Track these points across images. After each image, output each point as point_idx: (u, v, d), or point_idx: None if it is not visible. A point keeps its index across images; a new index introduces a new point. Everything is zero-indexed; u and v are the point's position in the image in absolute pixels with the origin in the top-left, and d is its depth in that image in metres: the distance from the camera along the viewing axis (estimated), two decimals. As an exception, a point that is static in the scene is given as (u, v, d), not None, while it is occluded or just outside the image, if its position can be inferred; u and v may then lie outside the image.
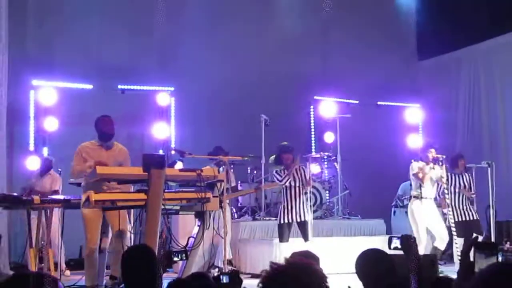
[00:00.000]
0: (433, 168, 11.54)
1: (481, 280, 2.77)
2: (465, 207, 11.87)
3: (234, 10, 16.18)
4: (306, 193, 11.52)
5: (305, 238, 11.17)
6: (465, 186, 11.94)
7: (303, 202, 11.28)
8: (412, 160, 11.99)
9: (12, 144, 13.30)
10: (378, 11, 17.32)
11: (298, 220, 11.18)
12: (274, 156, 12.54)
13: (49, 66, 14.15)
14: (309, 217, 11.34)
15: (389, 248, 4.87)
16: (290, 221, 11.19)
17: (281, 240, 11.21)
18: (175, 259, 6.15)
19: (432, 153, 11.61)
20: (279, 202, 13.93)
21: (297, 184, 11.28)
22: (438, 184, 11.92)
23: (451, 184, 11.89)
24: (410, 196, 11.88)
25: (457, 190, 11.92)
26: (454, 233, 11.60)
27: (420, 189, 11.60)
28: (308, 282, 3.06)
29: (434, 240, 11.86)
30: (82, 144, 9.29)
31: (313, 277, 3.09)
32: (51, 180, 12.02)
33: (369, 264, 5.18)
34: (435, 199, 12.16)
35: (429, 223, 11.68)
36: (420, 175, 11.55)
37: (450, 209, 11.78)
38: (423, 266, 4.76)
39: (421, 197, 11.60)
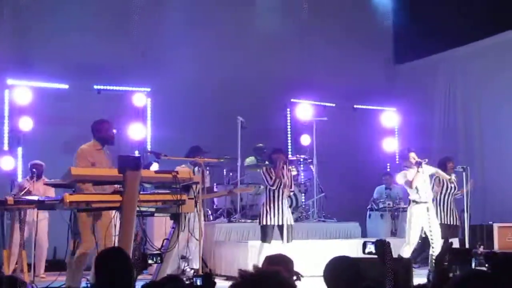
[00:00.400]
0: (418, 171, 11.48)
1: (455, 285, 2.78)
2: (449, 211, 11.94)
3: (212, 11, 16.17)
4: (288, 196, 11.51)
5: (287, 240, 11.10)
6: (455, 188, 12.02)
7: (285, 204, 11.20)
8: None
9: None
10: (355, 14, 17.40)
11: (281, 223, 11.08)
12: (252, 157, 12.54)
13: (24, 65, 14.06)
14: (291, 220, 11.31)
15: (363, 253, 4.88)
16: (274, 223, 11.09)
17: (264, 241, 11.10)
18: (150, 261, 6.12)
19: (413, 157, 11.59)
20: (255, 204, 13.97)
21: (283, 187, 11.21)
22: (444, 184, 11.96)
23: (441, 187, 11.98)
24: (409, 201, 11.78)
25: (443, 192, 12.00)
26: (431, 235, 11.62)
27: (418, 194, 11.54)
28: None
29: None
30: (84, 147, 9.15)
31: (280, 286, 3.09)
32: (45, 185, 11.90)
33: (336, 273, 5.17)
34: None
35: (426, 228, 11.60)
36: (410, 179, 11.48)
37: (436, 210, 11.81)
38: (398, 271, 4.78)
39: (420, 202, 11.54)
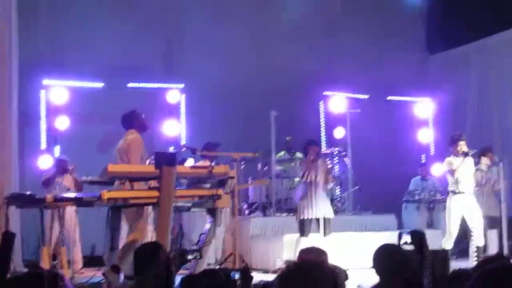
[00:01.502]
0: (464, 160, 11.40)
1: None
2: (490, 202, 11.96)
3: (242, 5, 16.21)
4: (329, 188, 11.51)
5: (324, 233, 11.07)
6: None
7: (323, 197, 11.18)
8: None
9: (23, 143, 13.36)
10: (387, 5, 17.33)
11: (319, 216, 11.05)
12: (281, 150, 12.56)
13: (60, 66, 14.22)
14: (331, 213, 11.29)
15: (399, 243, 4.89)
16: (311, 217, 11.03)
17: (302, 235, 11.09)
18: (189, 257, 6.19)
19: (461, 146, 11.51)
20: (290, 197, 14.00)
21: (316, 178, 11.14)
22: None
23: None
24: (448, 191, 11.76)
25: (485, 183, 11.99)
26: (472, 227, 11.59)
27: (457, 184, 11.50)
28: (320, 279, 3.10)
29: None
30: (138, 138, 9.23)
31: (324, 273, 3.14)
32: (70, 180, 12.05)
33: (385, 258, 5.21)
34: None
35: (468, 218, 11.59)
36: (453, 168, 11.43)
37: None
38: (435, 262, 4.78)
39: (459, 192, 11.51)
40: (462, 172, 11.45)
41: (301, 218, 11.08)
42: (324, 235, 10.97)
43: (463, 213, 11.46)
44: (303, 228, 11.08)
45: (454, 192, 11.56)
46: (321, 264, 3.23)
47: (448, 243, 11.43)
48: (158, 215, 8.14)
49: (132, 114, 9.47)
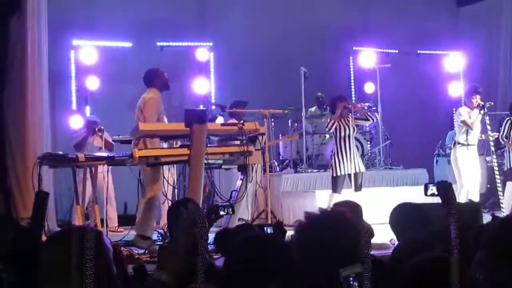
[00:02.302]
0: (481, 113, 11.32)
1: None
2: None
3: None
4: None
5: (358, 188, 11.13)
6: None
7: (355, 152, 11.20)
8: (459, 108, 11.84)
9: (54, 104, 13.43)
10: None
11: (354, 171, 11.07)
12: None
13: (88, 25, 14.21)
14: (363, 167, 11.34)
15: (426, 194, 4.87)
16: (345, 172, 11.07)
17: (335, 191, 11.13)
18: (222, 213, 6.22)
19: (476, 99, 11.38)
20: (321, 153, 14.01)
21: (347, 133, 11.13)
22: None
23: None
24: (455, 142, 11.67)
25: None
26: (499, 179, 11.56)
27: (467, 136, 11.41)
28: (339, 232, 3.09)
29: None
30: (153, 97, 9.26)
31: (345, 225, 3.12)
32: (101, 140, 12.12)
33: (402, 219, 5.21)
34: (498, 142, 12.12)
35: (472, 170, 11.55)
36: (469, 121, 11.33)
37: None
38: (464, 213, 4.75)
39: (468, 144, 11.42)
40: (476, 125, 11.38)
41: (334, 174, 11.10)
42: (355, 190, 10.99)
43: (470, 164, 11.41)
44: (336, 184, 11.11)
45: (462, 144, 11.46)
46: (342, 214, 3.20)
47: (462, 195, 11.31)
48: (189, 172, 8.18)
49: (154, 72, 9.50)
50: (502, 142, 12.01)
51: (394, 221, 5.58)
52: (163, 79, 9.46)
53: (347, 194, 10.94)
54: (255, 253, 3.17)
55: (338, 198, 10.77)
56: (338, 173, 11.07)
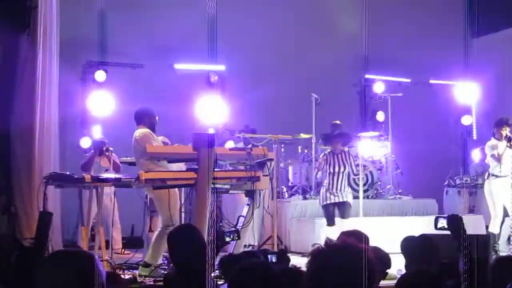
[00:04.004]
0: (509, 146, 11.33)
1: None
2: None
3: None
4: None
5: (344, 216, 11.28)
6: None
7: (344, 186, 11.40)
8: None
9: (64, 124, 13.40)
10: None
11: (340, 200, 11.28)
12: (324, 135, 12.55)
13: (102, 46, 14.22)
14: (351, 198, 11.46)
15: (436, 228, 4.86)
16: (333, 201, 11.30)
17: (329, 224, 11.30)
18: (227, 239, 6.15)
19: (506, 131, 11.42)
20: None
21: (340, 170, 11.35)
22: None
23: None
24: (489, 174, 11.70)
25: None
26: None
27: (500, 167, 11.43)
28: (358, 266, 3.03)
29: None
30: (146, 131, 9.27)
31: (364, 262, 3.06)
32: (107, 160, 12.07)
33: (411, 248, 5.23)
34: None
35: (506, 202, 11.50)
36: (496, 154, 11.40)
37: None
38: (475, 246, 4.70)
39: (501, 176, 11.43)
40: (506, 156, 11.37)
41: (322, 204, 11.43)
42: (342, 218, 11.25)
43: (504, 196, 11.33)
44: (327, 214, 11.41)
45: (496, 176, 11.46)
46: (361, 249, 3.13)
47: (496, 226, 11.33)
48: (196, 196, 8.12)
49: (145, 111, 9.49)
50: None
51: (404, 251, 5.60)
52: (152, 119, 9.44)
53: (354, 222, 10.89)
54: (252, 281, 3.11)
55: (336, 226, 10.86)
56: (326, 202, 11.28)
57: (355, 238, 4.53)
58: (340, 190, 11.28)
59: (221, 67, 15.22)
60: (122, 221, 12.50)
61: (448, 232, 4.99)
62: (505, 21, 16.58)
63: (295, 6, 15.97)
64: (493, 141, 11.61)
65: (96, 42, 14.31)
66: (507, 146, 11.32)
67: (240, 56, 15.07)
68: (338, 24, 16.15)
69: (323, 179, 11.70)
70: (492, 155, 11.51)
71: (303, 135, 13.75)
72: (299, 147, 14.48)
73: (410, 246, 5.51)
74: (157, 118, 9.59)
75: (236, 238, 6.50)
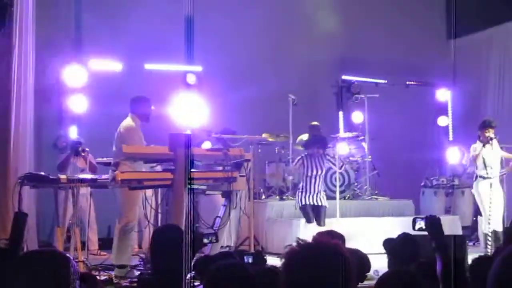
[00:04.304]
0: (484, 146, 11.52)
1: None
2: None
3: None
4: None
5: (320, 222, 11.34)
6: None
7: (320, 189, 11.51)
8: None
9: (40, 124, 13.31)
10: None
11: (316, 203, 11.37)
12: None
13: (77, 46, 14.14)
14: (326, 202, 11.52)
15: (413, 229, 4.88)
16: (309, 203, 11.41)
17: (308, 221, 11.31)
18: (205, 241, 6.13)
19: (489, 133, 11.60)
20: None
21: (316, 173, 11.45)
22: None
23: None
24: (476, 176, 11.83)
25: None
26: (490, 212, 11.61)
27: (486, 169, 11.58)
28: (332, 263, 3.01)
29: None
30: (131, 125, 9.19)
31: (338, 258, 3.05)
32: (83, 161, 12.00)
33: (396, 247, 5.25)
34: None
35: (493, 201, 11.64)
36: (475, 153, 11.62)
37: None
38: (451, 247, 4.73)
39: (488, 177, 11.59)
40: (489, 157, 11.54)
41: (300, 205, 11.56)
42: (318, 224, 11.29)
43: (491, 196, 11.49)
44: (306, 214, 11.49)
45: (483, 177, 11.63)
46: (336, 247, 3.12)
47: (484, 226, 11.50)
48: (172, 197, 8.09)
49: (142, 100, 9.44)
50: None
51: (389, 249, 5.67)
52: (147, 109, 9.38)
53: (332, 223, 10.92)
54: (228, 281, 3.10)
55: (312, 227, 10.89)
56: (303, 203, 11.39)
57: (329, 236, 4.55)
58: (316, 193, 11.36)
59: (198, 68, 15.16)
60: (98, 222, 12.45)
61: (425, 233, 5.01)
62: (482, 23, 16.65)
63: (273, 6, 15.95)
64: (475, 144, 11.79)
65: (72, 42, 14.23)
66: (483, 147, 11.49)
67: (217, 56, 15.02)
68: (316, 25, 16.15)
69: (299, 182, 11.78)
70: (472, 156, 11.72)
71: (280, 136, 13.73)
72: (276, 148, 14.47)
73: (393, 244, 5.54)
74: (152, 107, 9.52)
75: (214, 240, 6.48)
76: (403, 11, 16.73)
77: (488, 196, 11.50)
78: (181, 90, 14.92)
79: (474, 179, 12.03)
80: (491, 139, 11.49)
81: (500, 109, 16.56)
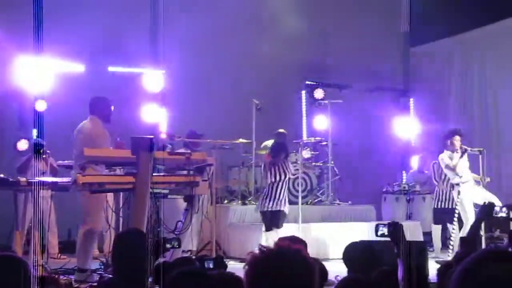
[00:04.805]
0: (462, 157, 11.74)
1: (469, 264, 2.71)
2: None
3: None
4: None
5: (278, 226, 11.38)
6: None
7: (284, 195, 11.55)
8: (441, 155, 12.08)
9: (0, 125, 13.17)
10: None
11: (278, 209, 11.41)
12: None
13: (38, 46, 13.96)
14: (287, 209, 11.58)
15: (376, 235, 4.89)
16: (270, 209, 11.45)
17: (272, 227, 11.36)
18: (168, 246, 6.08)
19: (458, 141, 11.79)
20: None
21: (282, 179, 11.51)
22: None
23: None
24: (452, 185, 11.98)
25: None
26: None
27: (460, 177, 11.77)
28: (295, 268, 3.00)
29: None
30: (89, 126, 9.08)
31: (301, 263, 3.04)
32: (45, 164, 11.88)
33: (354, 255, 5.27)
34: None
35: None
36: (452, 164, 11.73)
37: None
38: (413, 253, 4.76)
39: (464, 182, 11.77)
40: (460, 166, 11.74)
41: (261, 210, 11.59)
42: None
43: (471, 199, 11.73)
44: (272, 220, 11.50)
45: (459, 185, 11.79)
46: (299, 253, 3.11)
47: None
48: (134, 201, 8.02)
49: (101, 100, 9.33)
50: (436, 184, 12.69)
51: (346, 259, 5.67)
52: (107, 110, 9.27)
53: (292, 229, 10.94)
54: (188, 287, 3.06)
55: (274, 232, 10.92)
56: (264, 209, 11.45)
57: (291, 242, 4.55)
58: (279, 199, 11.38)
59: (161, 71, 15.11)
60: (58, 225, 12.33)
61: (387, 239, 5.04)
62: (441, 32, 16.80)
63: (238, 10, 15.93)
64: (447, 153, 11.91)
65: (33, 42, 14.05)
66: (460, 157, 11.66)
67: (181, 60, 14.98)
68: (281, 30, 16.16)
69: (263, 188, 11.86)
70: (447, 166, 11.84)
71: (242, 140, 13.72)
72: (239, 152, 14.45)
73: (352, 253, 5.55)
74: (112, 108, 9.42)
75: (177, 245, 6.43)
76: (368, 18, 16.79)
77: (471, 199, 11.69)
78: (144, 93, 14.89)
79: (451, 188, 12.14)
80: (465, 150, 11.69)
81: (461, 116, 16.71)
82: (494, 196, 11.77)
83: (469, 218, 11.64)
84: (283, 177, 11.46)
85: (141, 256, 5.09)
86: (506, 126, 15.73)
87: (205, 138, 12.53)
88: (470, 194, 11.72)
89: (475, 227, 4.80)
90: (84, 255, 8.85)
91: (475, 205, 11.69)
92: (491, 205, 4.80)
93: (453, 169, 11.72)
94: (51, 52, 13.84)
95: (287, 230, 11.00)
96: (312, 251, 5.96)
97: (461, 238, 10.89)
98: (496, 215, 4.86)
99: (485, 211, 4.79)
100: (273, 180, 11.42)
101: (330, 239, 12.15)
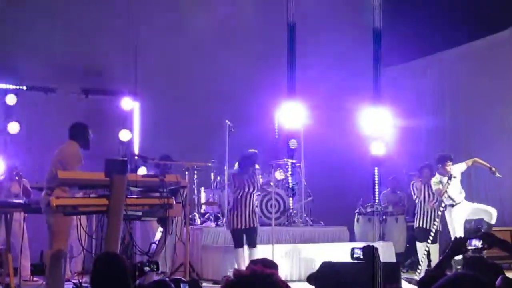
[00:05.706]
0: (449, 183, 12.04)
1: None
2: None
3: (200, 11, 16.09)
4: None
5: (252, 244, 11.31)
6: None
7: (252, 208, 11.54)
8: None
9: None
10: (342, 14, 17.38)
11: (249, 226, 11.36)
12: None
13: (11, 67, 13.96)
14: (257, 223, 11.59)
15: (352, 258, 4.94)
16: (242, 227, 11.40)
17: (238, 246, 11.32)
18: (146, 269, 6.08)
19: (449, 166, 12.21)
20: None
21: (250, 191, 11.52)
22: None
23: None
24: (445, 206, 12.27)
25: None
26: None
27: (452, 199, 12.21)
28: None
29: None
30: (75, 149, 9.06)
31: (275, 287, 3.08)
32: (18, 186, 11.83)
33: (320, 277, 5.32)
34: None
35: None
36: (440, 190, 12.14)
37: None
38: (386, 274, 4.82)
39: (456, 203, 12.25)
40: (451, 189, 12.14)
41: (232, 229, 11.55)
42: (250, 246, 11.35)
43: (464, 219, 12.32)
44: (236, 238, 11.51)
45: (452, 205, 12.25)
46: (272, 277, 3.15)
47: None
48: (108, 223, 8.00)
49: (82, 127, 9.31)
50: (421, 203, 12.78)
51: (313, 280, 5.70)
52: (87, 137, 9.28)
53: (266, 250, 10.94)
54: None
55: (248, 253, 10.90)
56: (234, 227, 11.41)
57: (263, 265, 4.58)
58: (248, 214, 11.37)
59: (134, 93, 15.11)
60: (31, 247, 12.25)
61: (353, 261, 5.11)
62: (414, 53, 17.03)
63: (212, 32, 16.00)
64: (438, 177, 12.30)
65: (5, 63, 14.04)
66: (447, 182, 11.99)
67: (155, 82, 15.01)
68: (252, 52, 16.24)
69: (230, 201, 11.81)
70: (436, 190, 12.20)
71: (214, 162, 13.76)
72: (212, 174, 14.47)
73: (323, 274, 5.61)
74: (91, 135, 9.42)
75: (155, 268, 6.43)
76: (339, 39, 16.91)
77: (462, 219, 12.23)
78: (117, 115, 14.88)
79: (443, 209, 12.34)
80: (452, 177, 11.99)
81: (434, 135, 16.88)
82: (489, 207, 12.08)
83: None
84: (251, 189, 11.45)
85: (121, 278, 5.09)
86: (477, 145, 15.88)
87: (178, 160, 12.52)
88: (462, 216, 12.22)
89: (439, 266, 4.82)
90: (53, 278, 8.80)
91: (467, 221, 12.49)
92: (462, 240, 4.78)
93: (440, 193, 12.09)
94: (24, 74, 13.84)
95: (259, 251, 11.01)
96: (284, 273, 5.99)
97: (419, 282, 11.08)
98: (470, 247, 4.87)
99: (454, 248, 4.82)
100: (240, 192, 11.40)
101: (303, 260, 12.18)
